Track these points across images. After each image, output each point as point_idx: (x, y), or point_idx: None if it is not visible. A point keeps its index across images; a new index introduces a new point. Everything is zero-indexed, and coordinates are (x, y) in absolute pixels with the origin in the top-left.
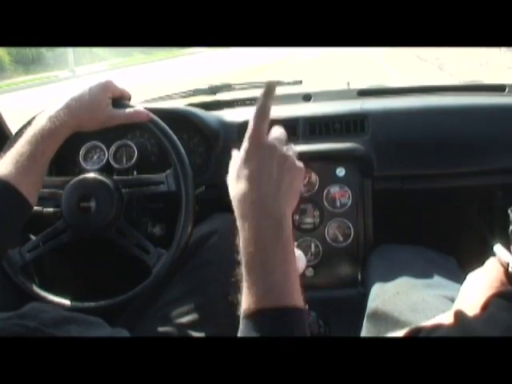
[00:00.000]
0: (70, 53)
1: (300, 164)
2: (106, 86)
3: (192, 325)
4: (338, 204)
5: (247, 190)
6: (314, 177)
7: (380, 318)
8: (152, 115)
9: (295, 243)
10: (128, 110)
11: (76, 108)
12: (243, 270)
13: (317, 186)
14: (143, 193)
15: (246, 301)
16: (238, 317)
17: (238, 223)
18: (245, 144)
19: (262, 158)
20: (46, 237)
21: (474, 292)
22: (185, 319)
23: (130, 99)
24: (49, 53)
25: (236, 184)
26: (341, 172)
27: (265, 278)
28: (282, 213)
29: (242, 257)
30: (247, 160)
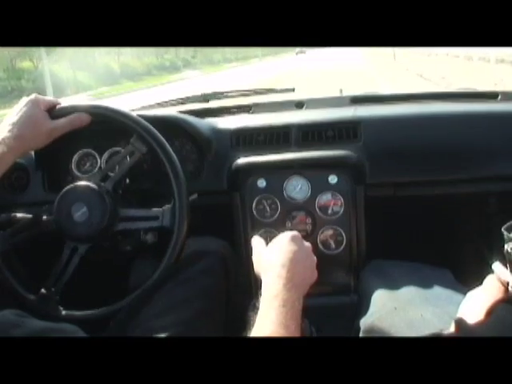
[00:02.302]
0: (48, 85)
1: (313, 256)
2: (36, 101)
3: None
4: (331, 211)
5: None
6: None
7: (376, 333)
8: (141, 119)
9: None
10: (68, 117)
11: (17, 130)
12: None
13: (309, 194)
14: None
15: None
16: (219, 332)
17: (272, 288)
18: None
19: (302, 250)
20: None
21: (473, 311)
22: (166, 333)
23: (59, 105)
24: (29, 84)
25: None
26: (333, 179)
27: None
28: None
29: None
30: (293, 251)
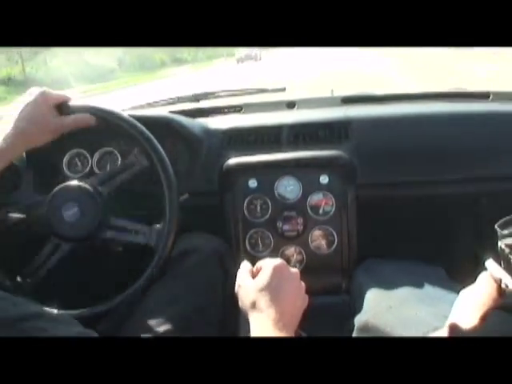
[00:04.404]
0: None
1: (301, 283)
2: (44, 96)
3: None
4: (322, 211)
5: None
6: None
7: (370, 331)
8: (132, 120)
9: (280, 250)
10: (75, 116)
11: (22, 126)
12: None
13: (300, 194)
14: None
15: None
16: (210, 330)
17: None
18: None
19: (288, 283)
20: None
21: (467, 309)
22: (157, 332)
23: (69, 101)
24: None
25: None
26: (324, 179)
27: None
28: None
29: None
30: (279, 283)
